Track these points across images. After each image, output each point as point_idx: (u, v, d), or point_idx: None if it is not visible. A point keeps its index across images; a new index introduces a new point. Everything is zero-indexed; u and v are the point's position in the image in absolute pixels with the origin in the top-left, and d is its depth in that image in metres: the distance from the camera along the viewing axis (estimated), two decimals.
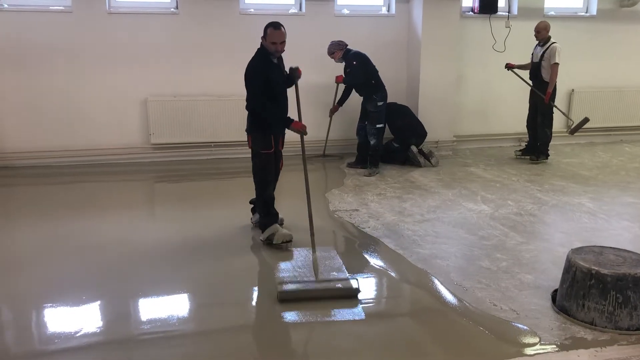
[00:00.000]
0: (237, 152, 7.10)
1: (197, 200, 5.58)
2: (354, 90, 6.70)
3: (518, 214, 5.01)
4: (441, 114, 7.45)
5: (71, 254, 4.15)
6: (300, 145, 3.93)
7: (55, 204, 5.49)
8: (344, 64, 6.44)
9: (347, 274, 3.60)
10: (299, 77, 4.19)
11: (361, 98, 6.65)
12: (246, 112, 4.23)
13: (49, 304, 3.38)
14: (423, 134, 7.03)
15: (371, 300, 3.48)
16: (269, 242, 4.17)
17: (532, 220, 4.85)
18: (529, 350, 2.84)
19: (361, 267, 3.93)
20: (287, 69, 4.21)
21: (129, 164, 6.88)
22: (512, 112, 7.90)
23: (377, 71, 6.45)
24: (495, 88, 7.93)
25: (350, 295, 3.42)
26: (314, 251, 3.68)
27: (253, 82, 4.06)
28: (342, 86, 6.70)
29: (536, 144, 7.14)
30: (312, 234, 3.76)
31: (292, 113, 4.14)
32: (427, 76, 7.34)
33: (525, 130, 7.35)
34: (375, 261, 4.02)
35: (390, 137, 7.06)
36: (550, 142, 7.11)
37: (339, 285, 3.48)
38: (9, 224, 4.93)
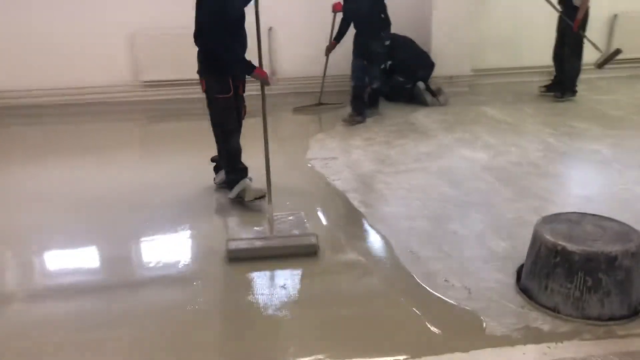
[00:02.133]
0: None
1: (179, 144, 5.21)
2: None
3: (517, 164, 4.37)
4: (458, 44, 6.62)
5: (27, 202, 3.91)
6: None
7: (36, 146, 5.25)
8: None
9: (308, 229, 3.32)
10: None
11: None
12: None
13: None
14: (430, 64, 6.31)
15: (295, 277, 2.94)
16: (239, 200, 3.70)
17: (531, 172, 4.21)
18: (462, 344, 2.35)
19: (308, 228, 3.42)
20: None
21: (117, 103, 6.54)
22: (545, 42, 6.98)
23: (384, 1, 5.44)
24: (524, 13, 6.99)
25: (307, 253, 3.07)
26: (269, 202, 3.28)
27: (210, 7, 3.32)
28: (340, 17, 5.71)
29: (563, 78, 6.30)
30: (268, 185, 3.32)
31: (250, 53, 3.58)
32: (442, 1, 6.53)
33: None
34: (326, 222, 3.54)
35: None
36: (578, 76, 6.24)
37: (295, 242, 3.17)
38: None
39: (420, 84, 6.15)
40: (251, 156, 3.81)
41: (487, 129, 5.26)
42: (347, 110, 5.61)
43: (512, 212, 3.54)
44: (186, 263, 3.08)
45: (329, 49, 5.82)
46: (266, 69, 5.46)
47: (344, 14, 5.54)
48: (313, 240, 3.12)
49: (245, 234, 3.33)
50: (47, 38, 6.31)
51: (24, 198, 4.03)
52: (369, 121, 5.59)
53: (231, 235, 3.33)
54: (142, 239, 3.38)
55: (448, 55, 6.58)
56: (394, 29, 6.33)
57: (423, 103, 6.16)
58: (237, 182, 3.71)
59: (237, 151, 3.73)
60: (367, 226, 3.42)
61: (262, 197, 3.65)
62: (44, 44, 6.33)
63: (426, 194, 3.86)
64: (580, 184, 4.06)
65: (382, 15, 5.35)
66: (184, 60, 6.41)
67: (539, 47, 6.88)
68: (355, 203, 3.73)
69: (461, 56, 6.71)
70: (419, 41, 6.49)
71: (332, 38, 5.76)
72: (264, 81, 3.42)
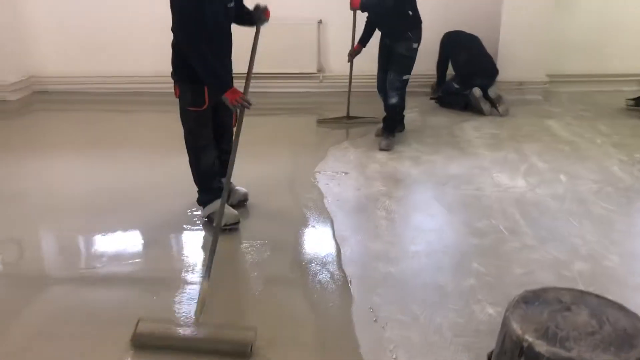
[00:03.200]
0: (275, 85, 6.28)
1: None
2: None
3: (559, 199, 3.57)
4: (531, 46, 5.74)
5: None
6: None
7: (79, 134, 5.16)
8: None
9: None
10: (265, 20, 3.21)
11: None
12: None
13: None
14: (491, 72, 5.51)
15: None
16: (210, 221, 3.23)
17: (572, 211, 3.41)
18: None
19: (266, 266, 2.90)
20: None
21: (161, 93, 6.36)
22: (637, 46, 5.93)
23: None
24: (613, 12, 5.95)
25: (238, 352, 2.22)
26: (205, 277, 2.50)
27: (183, 8, 2.82)
28: (362, 17, 4.71)
29: None
30: (212, 248, 2.57)
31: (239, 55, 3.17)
32: None
33: None
34: (289, 256, 2.98)
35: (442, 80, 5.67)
36: None
37: (225, 336, 2.30)
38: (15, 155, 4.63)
39: (477, 91, 5.37)
40: (254, 162, 3.58)
41: (541, 149, 4.44)
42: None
43: (522, 266, 2.83)
44: None
45: (353, 53, 4.85)
46: (310, 64, 5.62)
47: (363, 10, 4.47)
48: (249, 336, 2.25)
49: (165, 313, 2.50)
50: (100, 26, 6.23)
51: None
52: (404, 131, 4.93)
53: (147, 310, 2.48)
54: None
55: (518, 58, 5.75)
56: (456, 25, 5.63)
57: (478, 112, 5.39)
58: (209, 202, 3.25)
59: (209, 170, 3.21)
60: (333, 267, 2.86)
61: (235, 223, 3.19)
62: (96, 31, 6.27)
63: (426, 231, 3.21)
64: (630, 236, 3.22)
65: (410, 12, 4.31)
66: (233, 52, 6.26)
67: (629, 52, 5.82)
68: (338, 234, 3.17)
69: (534, 59, 5.81)
70: (486, 40, 5.70)
71: (357, 41, 4.80)
72: (233, 106, 2.89)
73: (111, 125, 5.42)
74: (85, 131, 5.24)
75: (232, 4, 3.05)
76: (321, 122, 5.18)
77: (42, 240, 3.40)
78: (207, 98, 3.00)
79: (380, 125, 4.69)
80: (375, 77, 4.72)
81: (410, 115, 5.37)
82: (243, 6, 3.21)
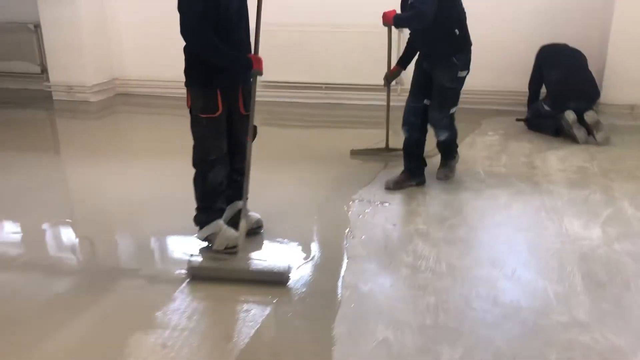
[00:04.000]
0: (351, 97, 5.89)
1: (289, 154, 4.60)
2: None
3: None
4: None
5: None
6: None
7: (156, 138, 5.17)
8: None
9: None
10: None
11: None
12: None
13: None
14: (588, 95, 4.70)
15: None
16: (207, 244, 2.95)
17: None
18: None
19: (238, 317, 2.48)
20: None
21: None
22: None
23: (464, 10, 3.51)
24: None
25: (277, 281, 2.65)
26: (243, 217, 2.81)
27: (188, 6, 2.61)
28: (401, 36, 4.05)
29: None
30: (245, 198, 2.85)
31: None
32: (627, 5, 4.81)
33: None
34: (272, 306, 2.52)
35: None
36: None
37: (264, 266, 2.74)
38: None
39: (570, 114, 4.58)
40: (291, 179, 3.49)
41: (637, 191, 3.63)
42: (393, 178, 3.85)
43: (561, 351, 2.18)
44: None
45: (389, 77, 4.05)
46: None
47: (398, 26, 3.66)
48: (285, 267, 2.69)
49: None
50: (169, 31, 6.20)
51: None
52: (470, 157, 4.30)
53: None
54: None
55: (631, 76, 4.89)
56: (555, 37, 4.90)
57: (573, 139, 4.60)
58: (207, 223, 2.93)
59: (216, 188, 2.90)
60: (320, 328, 2.38)
61: (233, 247, 2.86)
62: (178, 36, 6.24)
63: (447, 290, 2.62)
64: None
65: (457, 31, 3.44)
66: (298, 62, 5.96)
67: None
68: (345, 280, 2.69)
69: None
70: (592, 57, 4.89)
71: (397, 61, 4.00)
72: (257, 72, 2.74)
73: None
74: (162, 135, 5.18)
75: None
76: (355, 153, 4.39)
77: (114, 240, 3.36)
78: (220, 103, 2.73)
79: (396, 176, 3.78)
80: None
81: (490, 139, 4.75)
82: None
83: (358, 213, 3.40)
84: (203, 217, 2.93)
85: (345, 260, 2.87)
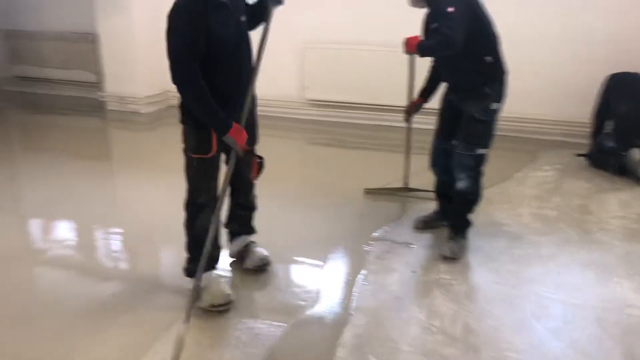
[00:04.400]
0: (399, 119, 5.57)
1: (333, 174, 4.47)
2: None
3: None
4: None
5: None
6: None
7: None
8: (425, 10, 3.04)
9: None
10: (278, 1, 2.57)
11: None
12: None
13: None
14: None
15: None
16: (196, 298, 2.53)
17: None
18: None
19: None
20: None
21: (281, 118, 6.06)
22: None
23: (497, 34, 2.97)
24: None
25: None
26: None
27: (173, 37, 2.34)
28: (423, 63, 3.31)
29: None
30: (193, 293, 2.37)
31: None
32: None
33: None
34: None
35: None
36: None
37: None
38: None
39: (637, 153, 4.09)
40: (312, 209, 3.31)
41: None
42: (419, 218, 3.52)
43: None
44: None
45: (410, 110, 3.53)
46: None
47: (422, 54, 3.00)
48: None
49: None
50: None
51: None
52: (516, 195, 3.90)
53: None
54: None
55: None
56: (628, 65, 4.43)
57: (636, 179, 4.11)
58: (196, 273, 2.58)
59: (203, 235, 2.50)
60: None
61: (224, 304, 2.57)
62: None
63: (456, 358, 2.31)
64: None
65: (489, 58, 2.95)
66: (351, 81, 5.73)
67: None
68: (345, 340, 2.41)
69: None
70: None
71: (419, 93, 3.42)
72: (237, 150, 2.42)
73: None
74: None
75: (244, 18, 2.52)
76: (370, 192, 3.95)
77: (157, 253, 3.33)
78: (214, 144, 2.47)
79: (421, 218, 3.45)
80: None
81: (544, 174, 4.33)
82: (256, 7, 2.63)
83: (378, 254, 3.13)
84: (191, 267, 2.65)
85: (351, 314, 2.60)
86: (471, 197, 3.10)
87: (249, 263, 2.88)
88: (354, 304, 2.66)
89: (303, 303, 2.68)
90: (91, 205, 3.85)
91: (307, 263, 3.08)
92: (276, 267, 2.96)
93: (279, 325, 2.50)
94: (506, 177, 4.25)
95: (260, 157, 2.69)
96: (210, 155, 2.50)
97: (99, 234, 3.51)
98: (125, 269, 3.12)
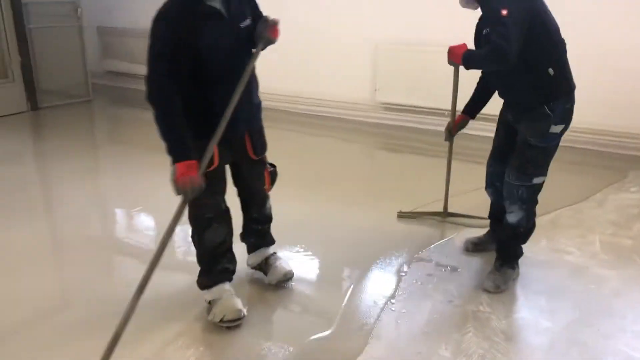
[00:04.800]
0: (476, 127, 5.20)
1: (403, 182, 4.28)
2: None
3: None
4: None
5: None
6: None
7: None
8: (478, 12, 2.62)
9: None
10: (270, 40, 2.34)
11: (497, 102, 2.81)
12: None
13: None
14: None
15: None
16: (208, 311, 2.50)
17: None
18: None
19: None
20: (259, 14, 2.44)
21: (353, 121, 5.89)
22: None
23: (563, 41, 2.53)
24: None
25: None
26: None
27: (150, 47, 2.11)
28: (469, 75, 2.82)
29: None
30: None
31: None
32: None
33: None
34: None
35: None
36: None
37: None
38: None
39: None
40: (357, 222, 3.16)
41: None
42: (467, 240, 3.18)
43: None
44: None
45: (453, 128, 3.10)
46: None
47: (470, 66, 2.61)
48: None
49: None
50: (312, 47, 6.02)
51: None
52: (590, 219, 3.47)
53: None
54: None
55: None
56: None
57: None
58: (208, 287, 2.51)
59: (215, 250, 2.47)
60: None
61: (236, 320, 2.42)
62: (307, 52, 6.10)
63: None
64: None
65: (552, 71, 2.47)
66: (425, 84, 5.43)
67: None
68: None
69: None
70: None
71: (463, 109, 3.03)
72: (177, 190, 2.11)
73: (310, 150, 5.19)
74: (280, 151, 4.99)
75: (247, 22, 2.31)
76: (404, 215, 3.54)
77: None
78: (217, 157, 2.30)
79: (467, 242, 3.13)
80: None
81: (630, 197, 3.87)
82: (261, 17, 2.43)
83: (416, 277, 2.87)
84: (204, 281, 2.52)
85: (368, 342, 2.38)
86: (523, 230, 2.75)
87: (271, 278, 2.73)
88: (373, 332, 2.43)
89: (319, 325, 2.49)
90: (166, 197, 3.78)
91: (334, 280, 2.89)
92: (300, 282, 2.81)
93: (287, 349, 2.34)
94: (582, 197, 3.81)
95: (273, 166, 2.55)
96: (211, 168, 2.31)
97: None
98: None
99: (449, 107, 3.57)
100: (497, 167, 2.83)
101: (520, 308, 2.63)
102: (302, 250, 3.15)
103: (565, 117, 2.55)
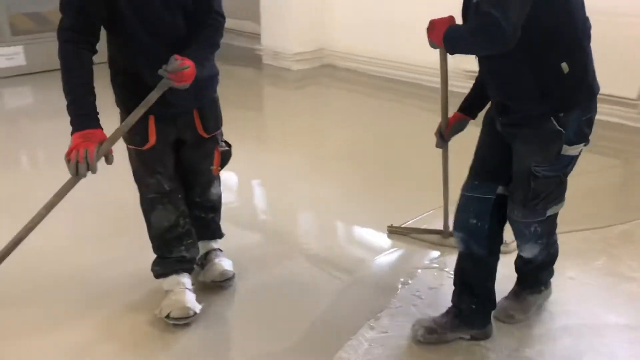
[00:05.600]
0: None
1: None
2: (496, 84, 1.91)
3: None
4: None
5: None
6: None
7: (347, 117, 4.77)
8: None
9: None
10: (168, 83, 1.89)
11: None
12: None
13: None
14: None
15: None
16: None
17: None
18: None
19: None
20: None
21: (434, 89, 5.24)
22: None
23: (587, 22, 1.76)
24: None
25: None
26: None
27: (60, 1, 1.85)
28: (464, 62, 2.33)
29: None
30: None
31: None
32: None
33: None
34: None
35: None
36: None
37: None
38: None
39: None
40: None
41: None
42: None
43: None
44: None
45: (445, 131, 2.27)
46: (627, 86, 3.66)
47: (454, 50, 1.83)
48: None
49: None
50: (395, 8, 5.47)
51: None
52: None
53: None
54: None
55: None
56: None
57: None
58: (162, 276, 2.23)
59: (164, 234, 2.18)
60: None
61: (183, 317, 2.12)
62: (391, 13, 5.54)
63: None
64: None
65: (565, 66, 1.71)
66: None
67: None
68: None
69: None
70: None
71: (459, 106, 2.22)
72: (68, 161, 1.80)
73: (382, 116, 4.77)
74: (362, 120, 4.64)
75: None
76: (395, 231, 2.80)
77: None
78: (152, 134, 2.01)
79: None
80: None
81: None
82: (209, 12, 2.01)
83: (415, 291, 2.39)
84: (157, 268, 2.25)
85: None
86: (543, 262, 2.11)
87: (206, 276, 2.37)
88: (341, 355, 2.02)
89: (273, 339, 2.14)
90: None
91: (316, 285, 2.48)
92: (275, 278, 2.46)
93: None
94: None
95: (228, 145, 2.21)
96: (145, 147, 2.04)
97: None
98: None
99: None
100: (477, 191, 1.96)
101: (533, 345, 2.07)
102: (303, 243, 2.80)
103: (583, 133, 1.81)
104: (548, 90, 1.75)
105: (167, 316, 2.13)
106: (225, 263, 2.38)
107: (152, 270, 2.27)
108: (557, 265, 2.22)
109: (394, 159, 3.83)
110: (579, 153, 1.85)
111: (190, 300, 2.17)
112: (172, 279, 2.22)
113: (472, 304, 2.02)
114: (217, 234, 2.44)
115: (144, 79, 1.93)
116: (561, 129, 1.76)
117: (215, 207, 2.38)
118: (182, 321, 2.13)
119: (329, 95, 5.50)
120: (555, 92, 1.75)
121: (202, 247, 2.40)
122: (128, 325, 2.18)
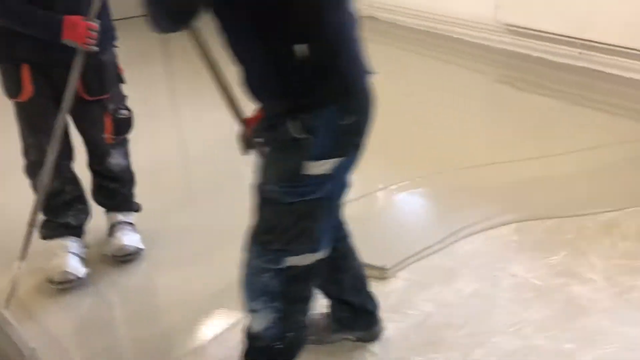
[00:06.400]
0: (619, 64, 3.88)
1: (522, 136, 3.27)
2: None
3: None
4: None
5: None
6: None
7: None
8: None
9: None
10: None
11: None
12: None
13: None
14: None
15: None
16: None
17: None
18: None
19: None
20: None
21: (469, 43, 4.81)
22: None
23: None
24: None
25: None
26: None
27: None
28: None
29: None
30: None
31: None
32: None
33: None
34: None
35: None
36: None
37: None
38: None
39: None
40: None
41: None
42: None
43: None
44: None
45: (249, 135, 1.49)
46: None
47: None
48: None
49: None
50: None
51: None
52: None
53: None
54: None
55: None
56: None
57: None
58: (48, 238, 2.18)
59: (49, 200, 2.07)
60: None
61: (63, 282, 2.08)
62: None
63: None
64: None
65: (300, 48, 1.24)
66: (557, 4, 4.07)
67: None
68: None
69: None
70: None
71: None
72: (79, 49, 1.88)
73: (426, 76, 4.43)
74: (404, 81, 4.27)
75: None
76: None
77: None
78: (26, 83, 1.96)
79: None
80: None
81: None
82: None
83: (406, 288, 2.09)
84: (43, 230, 2.19)
85: None
86: (275, 347, 1.47)
87: (106, 249, 2.28)
88: None
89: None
90: None
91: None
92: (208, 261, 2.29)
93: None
94: None
95: (127, 109, 2.09)
96: (23, 99, 1.99)
97: None
98: None
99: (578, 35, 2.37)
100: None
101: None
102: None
103: (343, 143, 1.35)
104: (279, 83, 1.31)
105: (50, 280, 2.11)
106: (127, 238, 2.25)
107: (39, 231, 2.20)
108: (501, 259, 2.00)
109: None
110: (335, 172, 1.34)
111: (72, 264, 2.11)
112: (57, 242, 2.17)
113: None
114: (124, 206, 2.32)
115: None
116: (301, 136, 1.29)
117: (117, 177, 2.25)
118: (62, 285, 2.09)
119: (378, 54, 5.12)
120: (290, 85, 1.30)
121: (108, 218, 2.32)
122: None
